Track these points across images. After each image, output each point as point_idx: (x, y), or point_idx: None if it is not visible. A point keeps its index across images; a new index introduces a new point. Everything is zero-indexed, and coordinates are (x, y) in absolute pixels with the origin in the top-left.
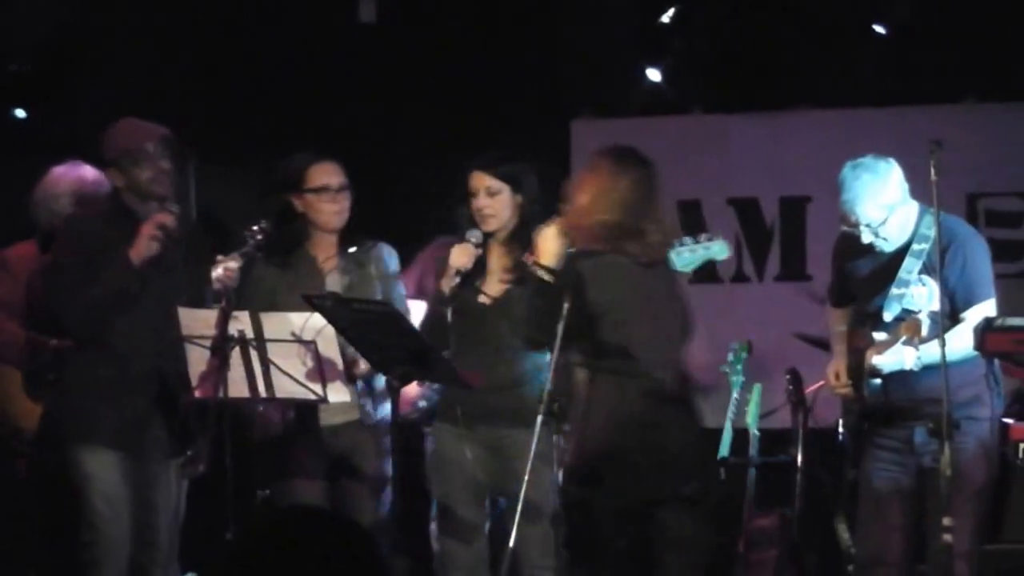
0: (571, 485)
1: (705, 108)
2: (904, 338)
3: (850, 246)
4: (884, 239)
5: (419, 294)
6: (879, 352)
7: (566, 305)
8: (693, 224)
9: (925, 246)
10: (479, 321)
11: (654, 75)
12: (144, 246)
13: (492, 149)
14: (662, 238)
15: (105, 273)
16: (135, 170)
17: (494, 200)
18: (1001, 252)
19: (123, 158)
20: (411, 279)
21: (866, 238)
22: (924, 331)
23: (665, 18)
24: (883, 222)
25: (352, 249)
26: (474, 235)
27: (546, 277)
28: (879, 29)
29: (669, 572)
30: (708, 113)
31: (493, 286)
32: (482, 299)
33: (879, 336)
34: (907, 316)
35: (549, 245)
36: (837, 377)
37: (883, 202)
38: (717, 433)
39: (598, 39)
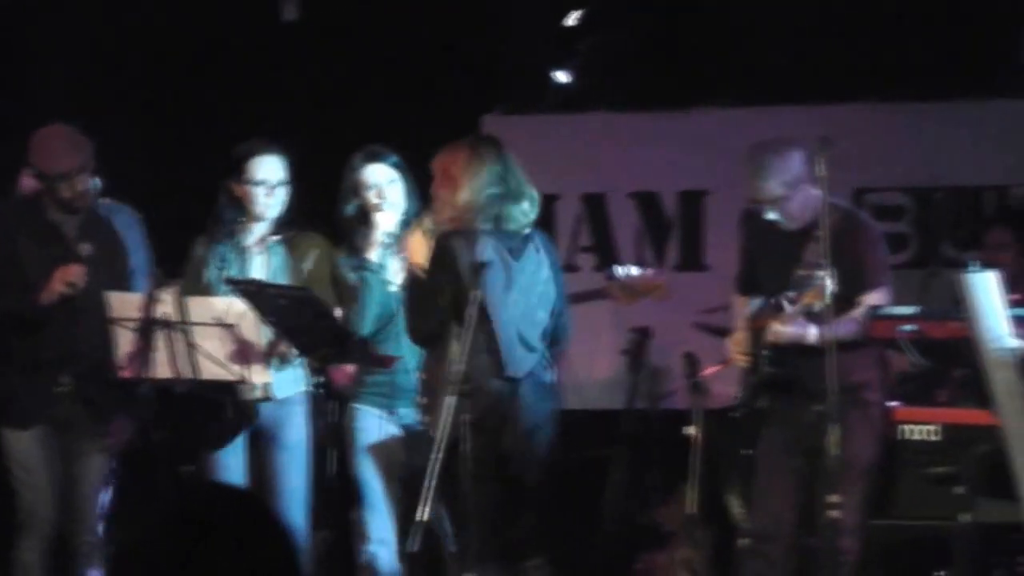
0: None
1: (610, 106)
2: (808, 304)
3: (755, 230)
4: (787, 218)
5: None
6: (783, 323)
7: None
8: (597, 217)
9: (823, 233)
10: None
11: (562, 76)
12: (53, 294)
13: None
14: (525, 218)
15: (8, 298)
16: (56, 186)
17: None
18: (887, 244)
19: (44, 174)
20: None
21: (770, 215)
22: (827, 297)
23: (571, 20)
24: (786, 199)
25: (275, 237)
26: (426, 225)
27: (420, 275)
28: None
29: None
30: (613, 111)
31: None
32: (391, 287)
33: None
34: (810, 285)
35: (416, 247)
36: (740, 352)
37: (785, 179)
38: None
39: (510, 37)
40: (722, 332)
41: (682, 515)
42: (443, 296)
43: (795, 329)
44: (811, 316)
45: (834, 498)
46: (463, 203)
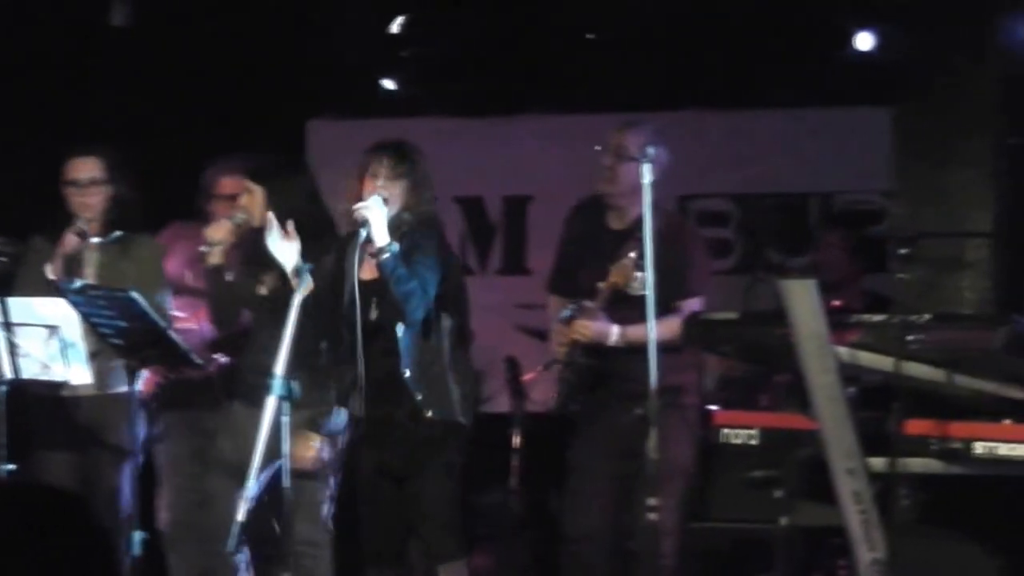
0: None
1: (437, 112)
2: (614, 284)
3: (581, 227)
4: (619, 208)
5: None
6: (588, 317)
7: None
8: None
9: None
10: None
11: (389, 82)
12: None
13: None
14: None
15: None
16: None
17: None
18: (711, 250)
19: None
20: None
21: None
22: (635, 274)
23: (395, 27)
24: (621, 193)
25: (95, 239)
26: (238, 218)
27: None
28: (590, 36)
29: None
30: (439, 117)
31: (270, 279)
32: (260, 289)
33: (589, 304)
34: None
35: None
36: (561, 344)
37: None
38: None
39: (337, 44)
40: (543, 335)
41: (506, 517)
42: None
43: (597, 327)
44: (622, 316)
45: (652, 501)
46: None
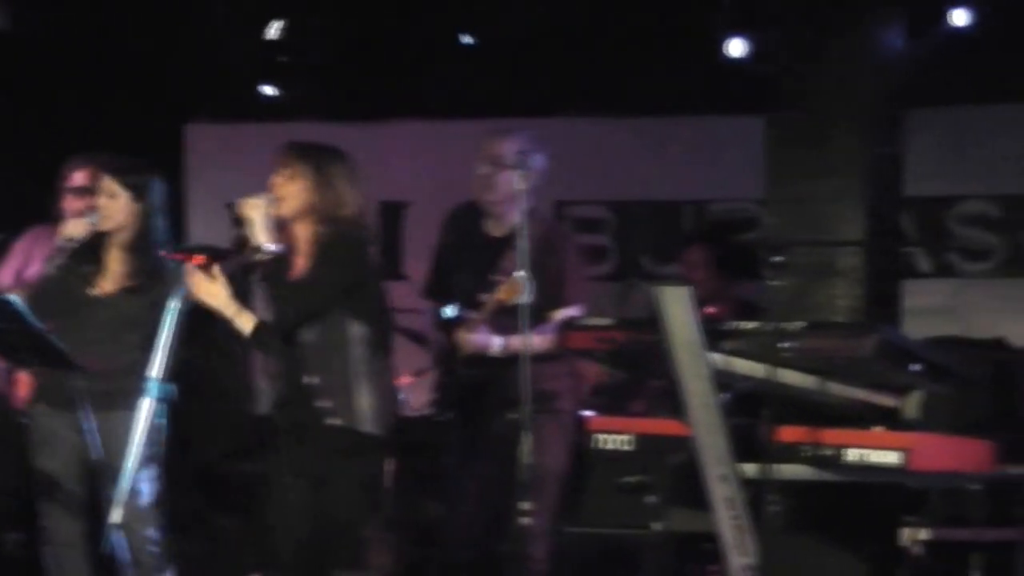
0: None
1: (314, 117)
2: (501, 300)
3: (458, 232)
4: (498, 216)
5: (19, 284)
6: (470, 330)
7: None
8: None
9: (525, 243)
10: (87, 308)
11: (267, 86)
12: None
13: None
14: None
15: None
16: None
17: (113, 202)
18: (586, 256)
19: None
20: (10, 269)
21: (485, 196)
22: (523, 292)
23: (273, 32)
24: (499, 200)
25: None
26: (91, 217)
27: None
28: (467, 40)
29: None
30: (316, 121)
31: (107, 283)
32: (95, 291)
33: (473, 315)
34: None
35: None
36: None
37: (523, 156)
38: None
39: (216, 48)
40: (419, 339)
41: (381, 522)
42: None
43: (480, 339)
44: (502, 325)
45: (525, 505)
46: None
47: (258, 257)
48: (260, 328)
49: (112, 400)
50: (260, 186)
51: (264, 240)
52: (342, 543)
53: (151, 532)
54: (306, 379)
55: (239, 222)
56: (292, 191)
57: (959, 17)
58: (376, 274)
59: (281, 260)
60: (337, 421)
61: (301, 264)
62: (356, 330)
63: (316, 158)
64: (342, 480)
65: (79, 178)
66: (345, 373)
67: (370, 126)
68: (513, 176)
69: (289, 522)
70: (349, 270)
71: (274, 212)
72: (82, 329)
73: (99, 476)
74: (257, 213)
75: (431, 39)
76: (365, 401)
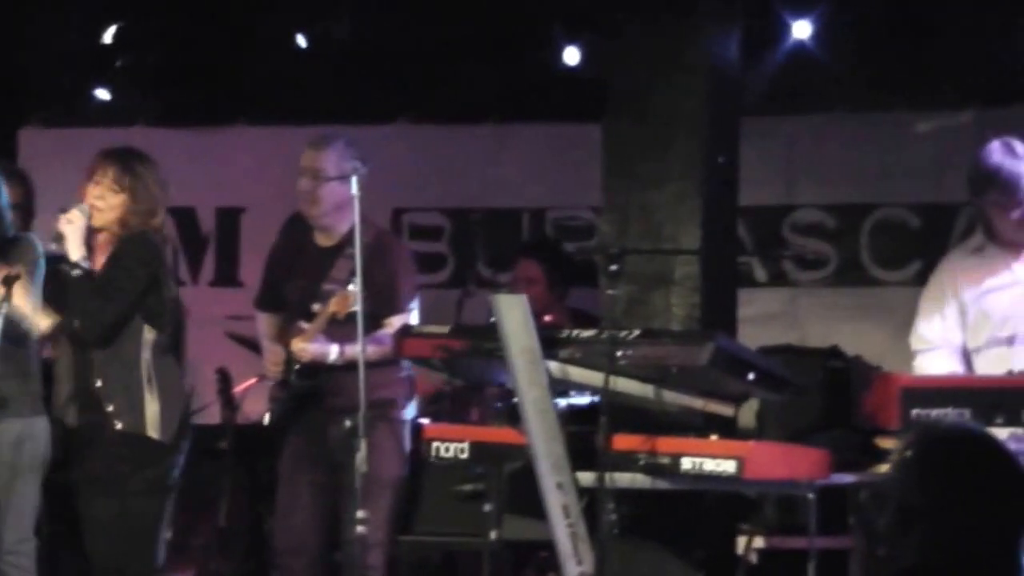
0: None
1: (149, 122)
2: (333, 313)
3: (290, 242)
4: (325, 227)
5: None
6: (305, 340)
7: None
8: None
9: (356, 250)
10: None
11: (102, 90)
12: None
13: None
14: None
15: None
16: None
17: None
18: (424, 264)
19: None
20: None
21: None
22: (355, 303)
23: (108, 37)
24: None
25: None
26: None
27: None
28: (302, 43)
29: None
30: (152, 126)
31: None
32: None
33: (305, 326)
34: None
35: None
36: (276, 363)
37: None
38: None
39: (47, 52)
40: (254, 345)
41: (215, 529)
42: None
43: (316, 347)
44: (336, 333)
45: (360, 514)
46: None
47: (74, 274)
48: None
49: None
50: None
51: (79, 256)
52: (135, 550)
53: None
54: (93, 383)
55: (58, 238)
56: (110, 201)
57: (801, 29)
58: (170, 279)
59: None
60: (121, 425)
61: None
62: (148, 335)
63: (132, 166)
64: (129, 486)
65: None
66: (134, 377)
67: (206, 131)
68: (336, 187)
69: (90, 529)
70: (145, 272)
71: (89, 223)
72: None
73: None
74: (72, 228)
75: (267, 44)
76: (151, 406)
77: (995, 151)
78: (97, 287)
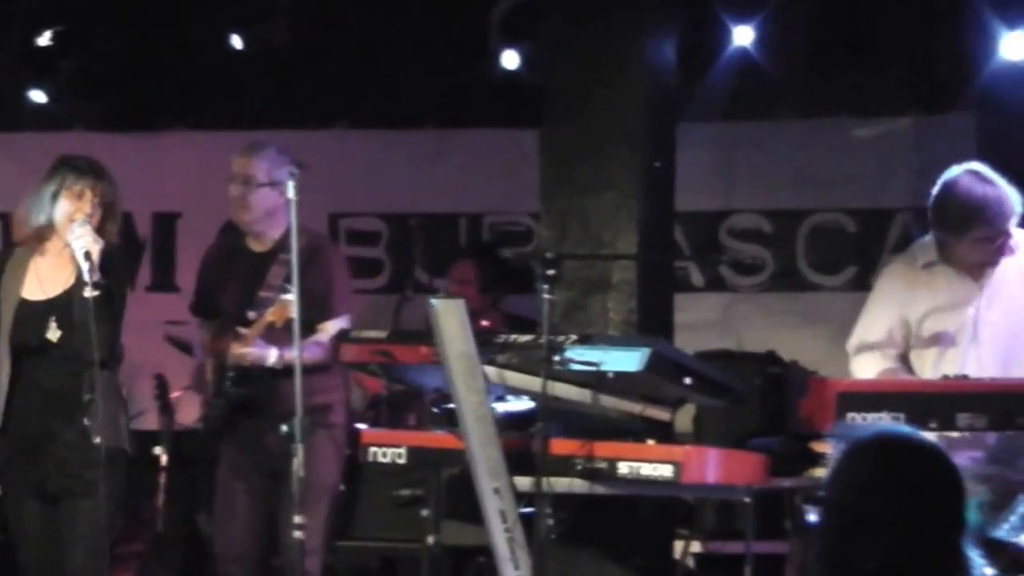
0: None
1: (85, 126)
2: (271, 322)
3: (223, 249)
4: (256, 235)
5: None
6: (244, 345)
7: None
8: None
9: (290, 256)
10: None
11: (38, 94)
12: None
13: None
14: None
15: None
16: None
17: None
18: (361, 269)
19: None
20: None
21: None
22: (293, 313)
23: (44, 40)
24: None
25: None
26: None
27: None
28: (240, 48)
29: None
30: (88, 131)
31: None
32: None
33: (243, 331)
34: (273, 303)
35: None
36: (206, 373)
37: (273, 173)
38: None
39: None
40: (191, 349)
41: (151, 535)
42: None
43: (256, 351)
44: (273, 338)
45: (298, 519)
46: None
47: (95, 294)
48: None
49: None
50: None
51: (99, 275)
52: (100, 559)
53: None
54: (43, 392)
55: (88, 256)
56: (96, 216)
57: (742, 35)
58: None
59: None
60: (70, 435)
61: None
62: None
63: (110, 178)
64: (81, 494)
65: None
66: (80, 387)
67: (142, 136)
68: (267, 193)
69: (30, 539)
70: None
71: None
72: None
73: None
74: (94, 246)
75: (205, 49)
76: (123, 418)
77: (972, 183)
78: (105, 308)
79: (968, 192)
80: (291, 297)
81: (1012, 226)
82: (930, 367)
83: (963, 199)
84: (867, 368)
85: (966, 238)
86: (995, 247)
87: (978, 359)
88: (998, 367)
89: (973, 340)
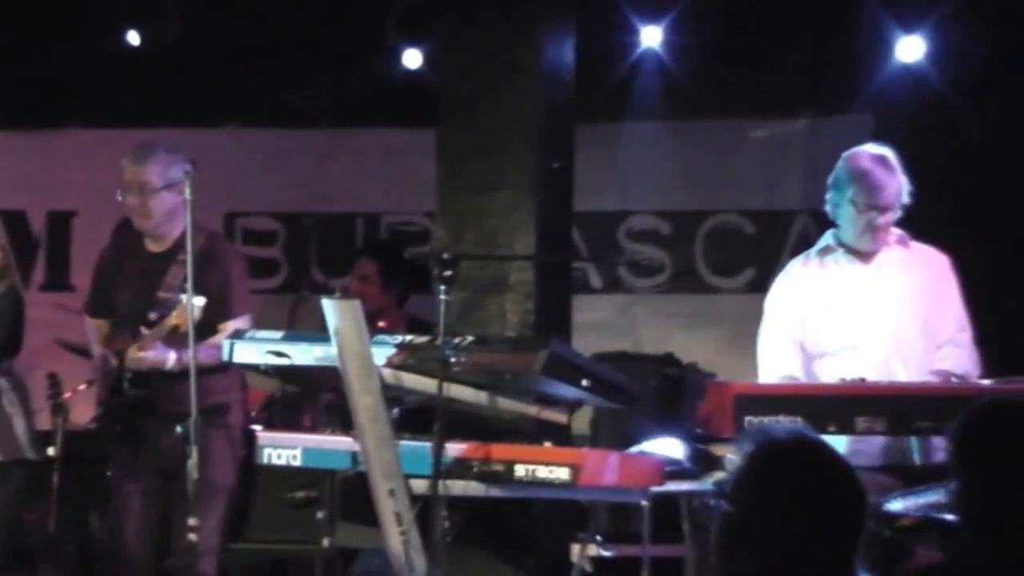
0: None
1: None
2: (173, 326)
3: (119, 248)
4: (155, 237)
5: None
6: (142, 348)
7: None
8: None
9: (188, 257)
10: None
11: None
12: None
13: None
14: None
15: None
16: None
17: None
18: (258, 269)
19: None
20: None
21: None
22: (198, 315)
23: None
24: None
25: None
26: None
27: None
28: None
29: None
30: None
31: None
32: None
33: (146, 332)
34: (173, 307)
35: None
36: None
37: (166, 175)
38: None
39: None
40: (84, 351)
41: (44, 536)
42: None
43: (155, 355)
44: (173, 341)
45: (192, 521)
46: None
47: None
48: None
49: None
50: None
51: None
52: None
53: None
54: None
55: None
56: None
57: (650, 36)
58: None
59: None
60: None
61: None
62: None
63: None
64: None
65: None
66: None
67: (37, 134)
68: (164, 197)
69: None
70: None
71: None
72: None
73: None
74: None
75: (98, 47)
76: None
77: (865, 157)
78: None
79: (858, 159)
80: (198, 301)
81: (899, 205)
82: (828, 360)
83: (852, 162)
84: (770, 371)
85: (858, 198)
86: (884, 220)
87: (871, 344)
88: (891, 350)
89: (863, 326)
